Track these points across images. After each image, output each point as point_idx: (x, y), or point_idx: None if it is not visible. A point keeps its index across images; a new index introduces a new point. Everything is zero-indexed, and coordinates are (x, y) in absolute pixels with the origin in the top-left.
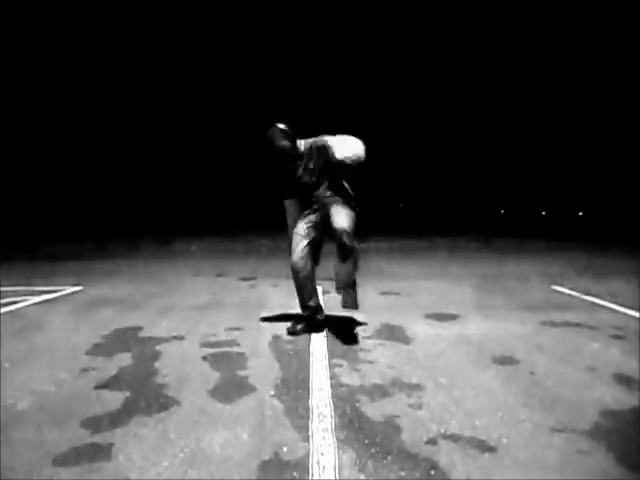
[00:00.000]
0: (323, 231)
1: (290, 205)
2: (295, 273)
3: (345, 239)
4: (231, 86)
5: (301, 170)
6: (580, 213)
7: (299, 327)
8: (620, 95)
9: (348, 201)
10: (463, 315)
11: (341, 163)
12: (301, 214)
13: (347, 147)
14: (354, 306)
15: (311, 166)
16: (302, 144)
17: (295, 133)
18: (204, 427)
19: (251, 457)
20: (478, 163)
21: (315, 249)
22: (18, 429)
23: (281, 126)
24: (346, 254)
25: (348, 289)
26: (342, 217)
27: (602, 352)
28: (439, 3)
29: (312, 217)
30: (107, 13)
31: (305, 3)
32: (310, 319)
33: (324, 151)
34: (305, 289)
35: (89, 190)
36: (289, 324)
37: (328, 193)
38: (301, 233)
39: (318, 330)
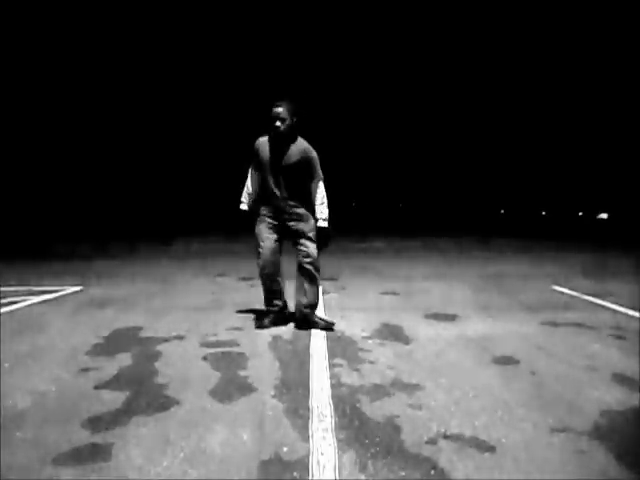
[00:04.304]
0: (283, 235)
1: (255, 177)
2: (262, 273)
3: (313, 270)
4: (230, 86)
5: (281, 161)
6: (580, 213)
7: (266, 321)
8: (619, 95)
9: (309, 213)
10: (463, 315)
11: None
12: (265, 205)
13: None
14: (330, 326)
15: (288, 166)
16: (300, 142)
17: (298, 124)
18: (204, 427)
19: (251, 457)
20: (478, 163)
21: (279, 249)
22: (18, 429)
23: (289, 102)
24: (312, 279)
25: (312, 311)
26: (310, 244)
27: (602, 352)
28: (439, 3)
29: (275, 221)
30: (107, 13)
31: (305, 4)
32: (275, 313)
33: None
34: (271, 288)
35: (89, 191)
36: (262, 321)
37: (292, 203)
38: (266, 233)
39: (285, 322)
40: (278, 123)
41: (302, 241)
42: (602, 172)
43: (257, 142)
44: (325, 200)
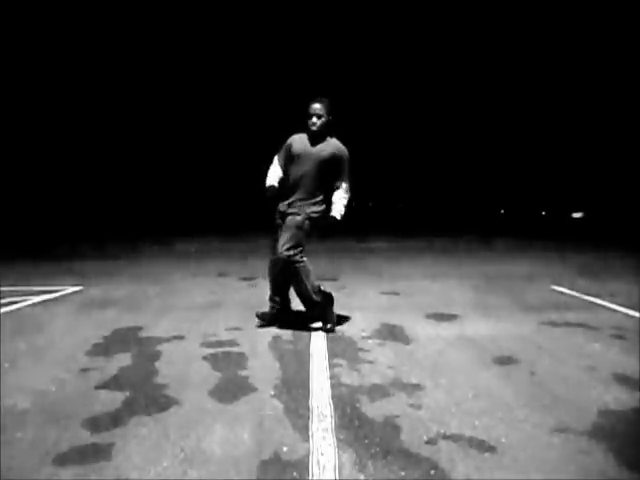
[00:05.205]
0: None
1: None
2: (270, 271)
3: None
4: (231, 85)
5: (307, 158)
6: (580, 213)
7: (267, 320)
8: (619, 95)
9: (311, 214)
10: (463, 315)
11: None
12: (283, 200)
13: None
14: (330, 325)
15: (312, 165)
16: (328, 138)
17: (331, 126)
18: (204, 427)
19: (251, 457)
20: (478, 163)
21: None
22: (18, 429)
23: (326, 100)
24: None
25: (315, 308)
26: (284, 238)
27: (602, 352)
28: (439, 2)
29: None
30: (107, 13)
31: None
32: (278, 312)
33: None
34: (276, 287)
35: (89, 190)
36: (263, 319)
37: (303, 202)
38: (279, 232)
39: (286, 323)
40: (314, 119)
41: (280, 239)
42: (602, 172)
43: (292, 136)
44: (347, 198)
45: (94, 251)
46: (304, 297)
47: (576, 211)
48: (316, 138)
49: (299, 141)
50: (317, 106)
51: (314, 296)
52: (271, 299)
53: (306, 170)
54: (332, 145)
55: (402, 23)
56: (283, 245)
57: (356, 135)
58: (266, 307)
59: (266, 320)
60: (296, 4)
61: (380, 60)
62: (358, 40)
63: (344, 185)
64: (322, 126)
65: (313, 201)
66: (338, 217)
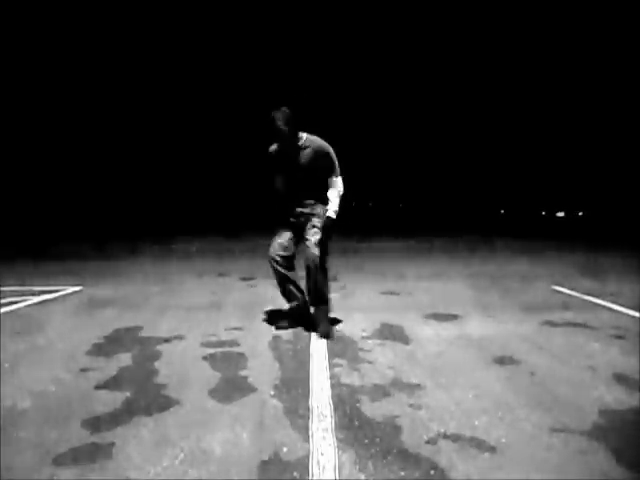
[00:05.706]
0: (298, 237)
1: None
2: (273, 269)
3: (312, 265)
4: (231, 85)
5: (294, 163)
6: (580, 213)
7: (285, 323)
8: (619, 94)
9: (324, 212)
10: (463, 315)
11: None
12: (285, 209)
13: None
14: (328, 334)
15: (302, 166)
16: (304, 137)
17: (298, 122)
18: (204, 427)
19: (251, 457)
20: (478, 163)
21: (292, 245)
22: (18, 429)
23: (285, 110)
24: (312, 277)
25: (321, 307)
26: (315, 242)
27: (602, 352)
28: (439, 2)
29: (292, 218)
30: (107, 13)
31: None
32: (295, 313)
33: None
34: (285, 285)
35: (89, 190)
36: (280, 322)
37: (310, 201)
38: (281, 229)
39: (306, 323)
40: (278, 123)
41: (307, 243)
42: (602, 171)
43: (270, 149)
44: (340, 194)
45: (94, 251)
46: (320, 294)
47: (559, 210)
48: (289, 145)
49: (278, 153)
50: (277, 119)
51: (328, 296)
52: (285, 297)
53: (300, 176)
54: (314, 144)
55: (405, 23)
56: (316, 246)
57: (357, 135)
58: (266, 307)
59: (284, 323)
60: (297, 4)
61: (382, 61)
62: (361, 40)
63: (338, 182)
64: (288, 134)
65: (321, 200)
66: (333, 216)
